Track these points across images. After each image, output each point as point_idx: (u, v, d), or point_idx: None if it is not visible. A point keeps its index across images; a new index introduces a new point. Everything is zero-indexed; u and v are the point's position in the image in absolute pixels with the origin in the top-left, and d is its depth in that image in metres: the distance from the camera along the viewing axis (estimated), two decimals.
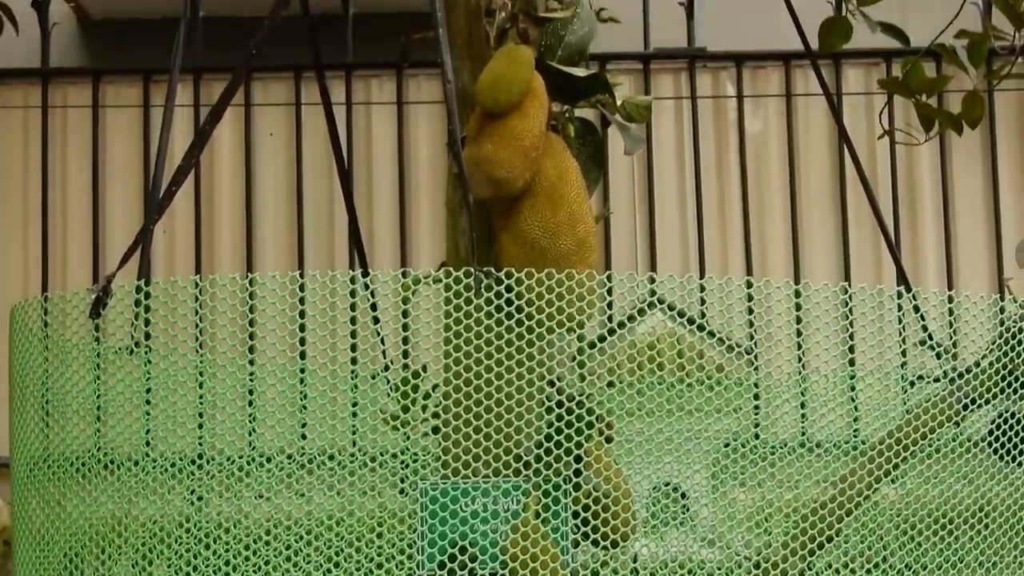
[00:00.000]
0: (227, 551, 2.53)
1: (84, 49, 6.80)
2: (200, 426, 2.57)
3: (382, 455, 2.68)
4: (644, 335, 3.02)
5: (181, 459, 2.56)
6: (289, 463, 2.64)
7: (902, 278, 3.44)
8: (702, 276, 5.80)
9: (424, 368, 2.84)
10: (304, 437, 2.60)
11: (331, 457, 2.61)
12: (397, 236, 5.96)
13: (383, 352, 3.00)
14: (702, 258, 5.90)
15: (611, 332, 2.74)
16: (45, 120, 5.99)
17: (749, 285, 2.66)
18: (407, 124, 6.00)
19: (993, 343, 2.78)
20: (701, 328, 2.98)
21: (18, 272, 6.00)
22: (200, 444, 2.57)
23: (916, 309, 2.93)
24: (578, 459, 2.59)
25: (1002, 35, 4.52)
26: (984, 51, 4.66)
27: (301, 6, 3.19)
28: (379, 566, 2.55)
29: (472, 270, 2.60)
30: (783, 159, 6.02)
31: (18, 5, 5.68)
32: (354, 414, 2.64)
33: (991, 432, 2.80)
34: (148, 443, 2.59)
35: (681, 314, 2.99)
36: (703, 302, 2.86)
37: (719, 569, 2.69)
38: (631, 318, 2.92)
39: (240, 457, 2.58)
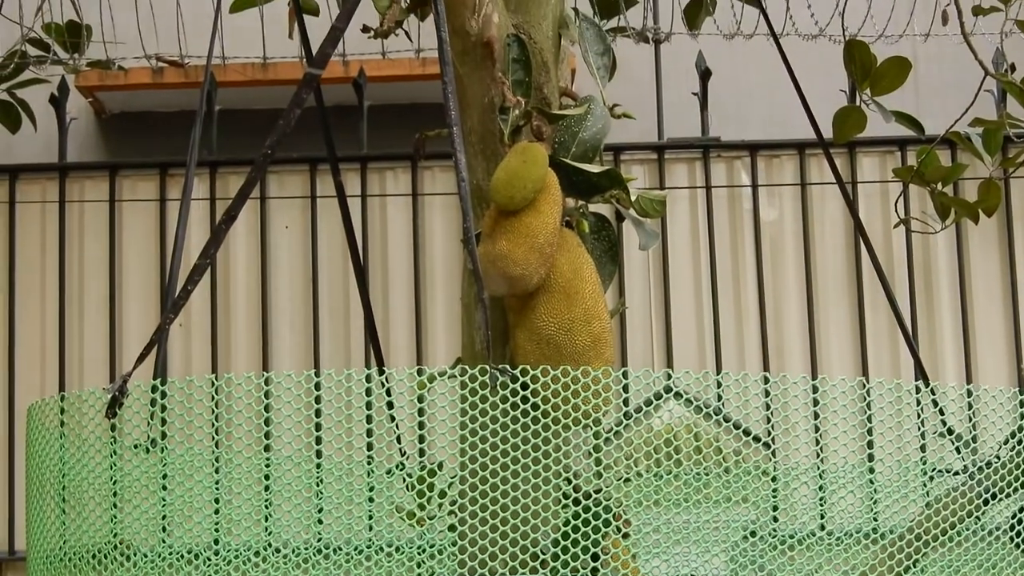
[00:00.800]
0: None
1: (101, 142, 6.85)
2: (216, 511, 2.56)
3: (399, 542, 2.68)
4: (661, 425, 3.01)
5: (197, 546, 2.56)
6: (305, 550, 2.63)
7: (920, 371, 3.42)
8: (719, 369, 5.81)
9: (440, 465, 2.83)
10: (320, 522, 2.60)
11: (348, 542, 2.60)
12: (413, 328, 5.96)
13: (400, 449, 3.00)
14: (718, 350, 5.89)
15: (627, 421, 2.73)
16: (62, 215, 6.01)
17: (766, 381, 2.65)
18: (422, 215, 6.02)
19: (1012, 436, 2.76)
20: (718, 417, 2.97)
21: (35, 368, 6.01)
22: (216, 531, 2.56)
23: (935, 403, 2.92)
24: (595, 556, 2.57)
25: (1017, 122, 4.53)
26: (999, 139, 4.67)
27: (315, 99, 3.20)
28: None
29: (487, 367, 2.60)
30: (798, 248, 6.02)
31: (36, 100, 5.73)
32: (370, 510, 2.63)
33: (1012, 525, 2.78)
34: (164, 530, 2.58)
35: (698, 404, 2.98)
36: (720, 397, 2.85)
37: None
38: (648, 406, 2.90)
39: (256, 543, 2.57)
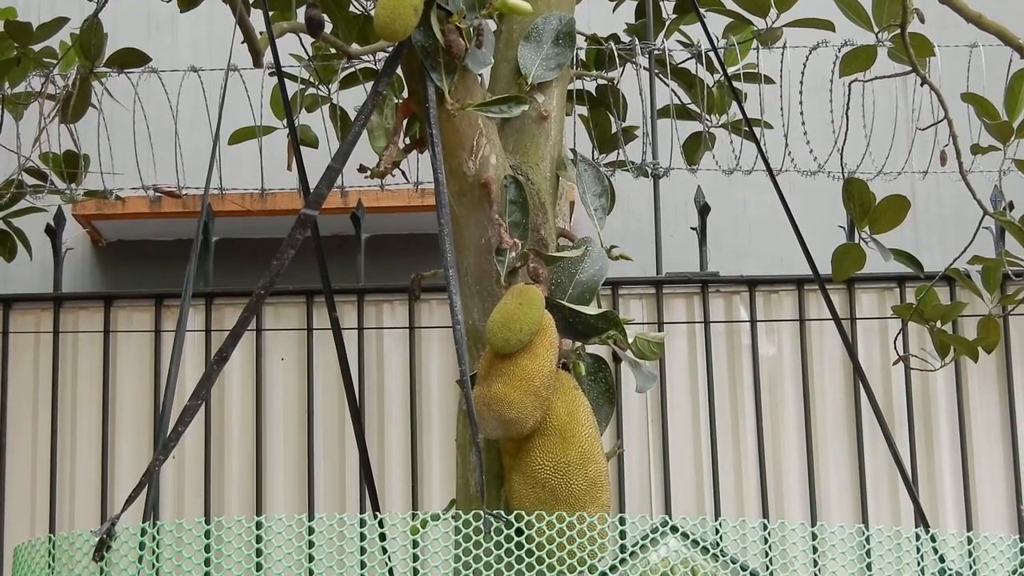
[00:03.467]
0: None
1: (97, 270, 6.85)
2: None
3: None
4: (658, 559, 2.96)
5: None
6: None
7: (920, 516, 3.38)
8: (718, 512, 5.75)
9: None
10: None
11: None
12: (408, 465, 5.89)
13: None
14: (716, 492, 5.82)
15: (624, 562, 2.68)
16: (56, 345, 5.97)
17: (764, 527, 2.61)
18: (419, 348, 5.98)
19: None
20: (715, 551, 2.93)
21: (25, 502, 5.93)
22: None
23: (935, 551, 2.87)
24: None
25: (1016, 260, 4.52)
26: (998, 276, 4.66)
27: (312, 237, 3.18)
28: None
29: (482, 512, 2.56)
30: (797, 383, 5.98)
31: (32, 228, 5.73)
32: None
33: None
34: None
35: (695, 538, 2.94)
36: (719, 543, 2.81)
37: None
38: (644, 540, 2.86)
39: None
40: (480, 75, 3.02)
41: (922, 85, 4.04)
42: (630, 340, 3.04)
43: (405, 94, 3.03)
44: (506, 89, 3.07)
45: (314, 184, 2.86)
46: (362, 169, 3.02)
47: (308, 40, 4.95)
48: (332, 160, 2.83)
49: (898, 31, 3.91)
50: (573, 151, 3.15)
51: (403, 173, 3.32)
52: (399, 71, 3.00)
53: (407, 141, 3.09)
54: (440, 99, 2.86)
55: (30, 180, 5.62)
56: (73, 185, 5.62)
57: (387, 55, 3.04)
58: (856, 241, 4.10)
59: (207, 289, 5.94)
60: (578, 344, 2.98)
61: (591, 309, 2.89)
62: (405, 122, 3.03)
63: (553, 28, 3.11)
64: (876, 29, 4.29)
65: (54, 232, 6.01)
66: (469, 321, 2.93)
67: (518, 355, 2.72)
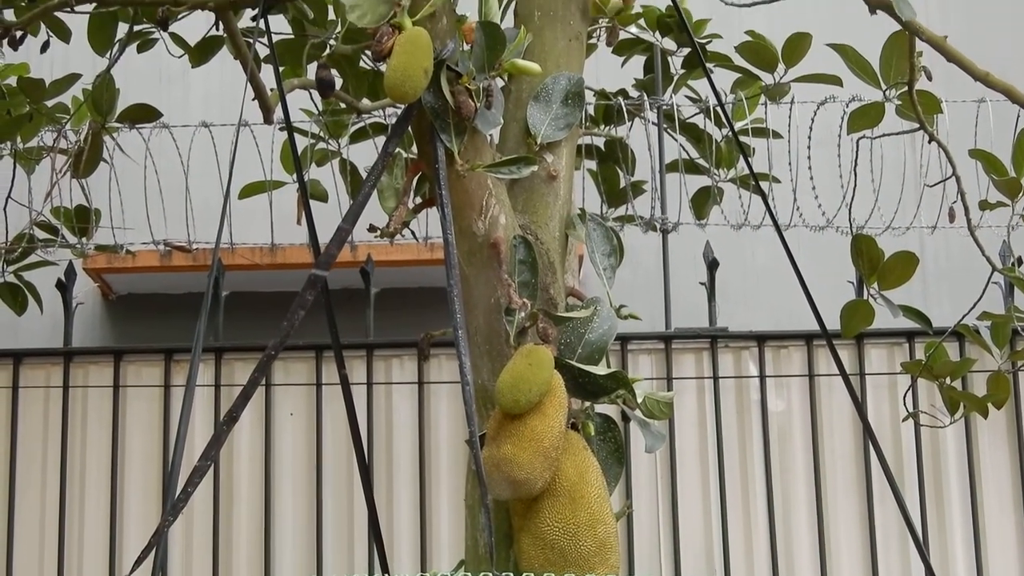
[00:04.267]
0: None
1: (107, 323, 6.86)
2: None
3: None
4: None
5: None
6: None
7: (929, 573, 3.37)
8: (727, 571, 5.73)
9: None
10: None
11: None
12: (417, 524, 5.87)
13: None
14: (726, 550, 5.80)
15: None
16: (66, 400, 5.97)
17: None
18: (427, 404, 5.97)
19: None
20: None
21: (34, 559, 5.91)
22: None
23: None
24: None
25: None
26: (1007, 332, 4.65)
27: (322, 294, 3.19)
28: None
29: (492, 573, 2.56)
30: (807, 439, 5.97)
31: (43, 281, 5.74)
32: None
33: None
34: None
35: None
36: None
37: None
38: None
39: None
40: (490, 135, 3.03)
41: (930, 142, 4.05)
42: (639, 400, 3.04)
43: (414, 148, 3.04)
44: (515, 149, 3.08)
45: (324, 241, 2.87)
46: (372, 229, 3.02)
47: (319, 95, 4.98)
48: (343, 220, 2.84)
49: (905, 88, 3.92)
50: (582, 210, 3.16)
51: (412, 233, 3.34)
52: (409, 130, 3.01)
53: (417, 201, 3.09)
54: (450, 159, 2.87)
55: (41, 234, 5.64)
56: (84, 239, 5.64)
57: (397, 112, 3.05)
58: (865, 297, 4.10)
59: (217, 344, 5.94)
60: (587, 404, 2.98)
61: (600, 369, 2.89)
62: (415, 182, 3.03)
63: (562, 88, 3.12)
64: (884, 86, 4.30)
65: (64, 287, 6.02)
66: (478, 381, 2.94)
67: (527, 416, 2.72)
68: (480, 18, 3.08)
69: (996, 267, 4.23)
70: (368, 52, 3.85)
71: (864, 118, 4.48)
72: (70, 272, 6.02)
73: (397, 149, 3.02)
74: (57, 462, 5.94)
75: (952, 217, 4.81)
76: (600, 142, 5.52)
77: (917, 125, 4.01)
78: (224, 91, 6.88)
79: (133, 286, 6.75)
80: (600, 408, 3.04)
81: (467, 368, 2.72)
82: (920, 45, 3.74)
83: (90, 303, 6.78)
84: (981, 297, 4.41)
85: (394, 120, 3.04)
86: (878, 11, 3.47)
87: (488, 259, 2.91)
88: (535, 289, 2.92)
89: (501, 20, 3.45)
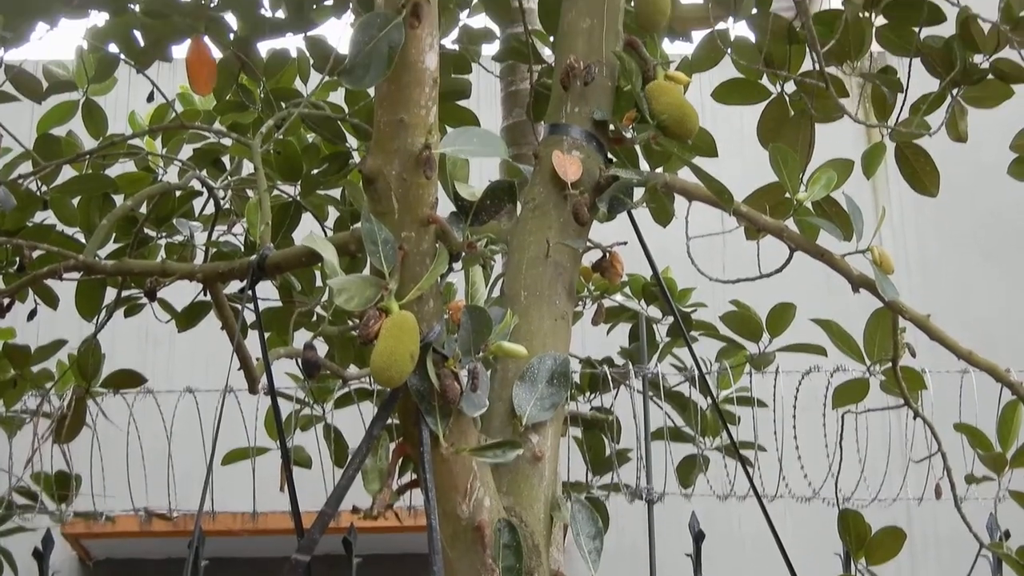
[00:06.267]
0: None
1: None
2: None
3: None
4: None
5: None
6: None
7: None
8: None
9: None
10: None
11: None
12: None
13: None
14: None
15: None
16: None
17: None
18: None
19: None
20: None
21: None
22: None
23: None
24: None
25: None
26: None
27: None
28: None
29: None
30: None
31: (19, 548, 5.66)
32: None
33: None
34: None
35: None
36: None
37: None
38: None
39: None
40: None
41: (915, 418, 4.06)
42: None
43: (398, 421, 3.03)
44: (500, 429, 3.06)
45: (305, 510, 2.84)
46: (355, 511, 2.99)
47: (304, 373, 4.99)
48: (325, 504, 2.82)
49: (890, 364, 3.94)
50: (567, 491, 3.14)
51: (396, 515, 3.30)
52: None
53: (401, 482, 3.07)
54: (435, 442, 2.86)
55: (20, 500, 5.59)
56: (63, 506, 5.58)
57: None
58: (852, 572, 4.07)
59: None
60: None
61: None
62: (399, 463, 3.01)
63: (548, 368, 3.12)
64: (868, 362, 4.32)
65: (41, 557, 5.93)
66: None
67: None
68: (466, 300, 3.10)
69: (983, 543, 4.20)
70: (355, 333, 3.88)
71: (849, 393, 4.51)
72: (47, 541, 5.91)
73: (381, 434, 3.01)
74: None
75: (939, 493, 4.78)
76: (585, 408, 5.53)
77: (902, 400, 4.02)
78: (210, 354, 6.88)
79: (112, 551, 6.67)
80: None
81: None
82: (903, 321, 3.76)
83: (67, 570, 6.69)
84: (970, 573, 4.37)
85: (379, 387, 3.04)
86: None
87: (472, 543, 2.87)
88: (519, 574, 2.88)
89: (488, 296, 3.47)
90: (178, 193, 5.02)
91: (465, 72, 4.99)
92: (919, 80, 4.25)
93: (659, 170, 4.20)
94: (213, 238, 5.19)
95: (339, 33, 8.60)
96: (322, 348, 5.03)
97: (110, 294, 5.01)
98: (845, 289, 3.52)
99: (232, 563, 6.47)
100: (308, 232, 3.22)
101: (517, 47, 5.01)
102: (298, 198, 4.98)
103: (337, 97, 5.27)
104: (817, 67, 3.92)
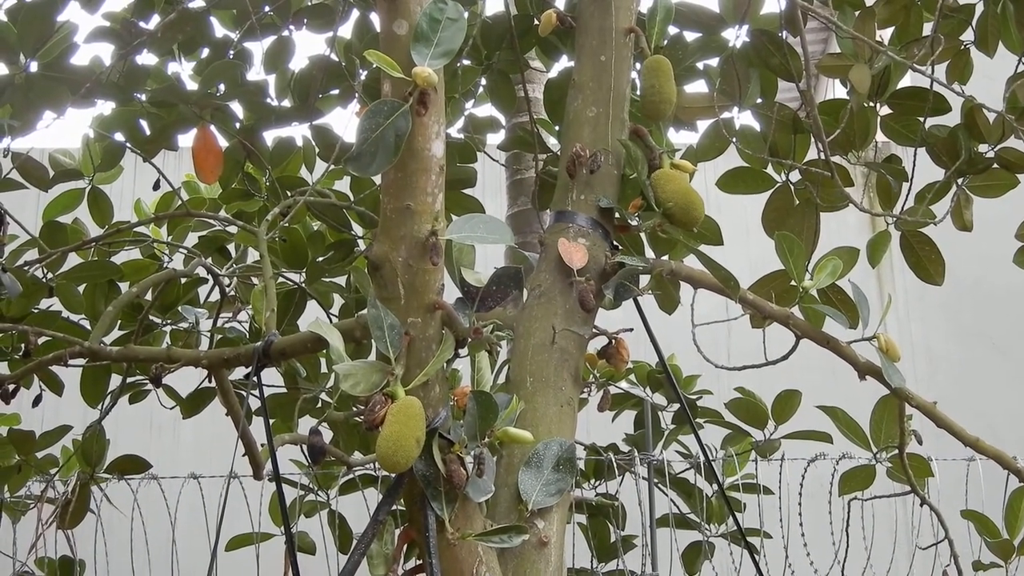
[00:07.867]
0: None
1: None
2: None
3: None
4: None
5: None
6: None
7: None
8: None
9: None
10: None
11: None
12: None
13: None
14: None
15: None
16: None
17: None
18: None
19: None
20: None
21: None
22: None
23: None
24: None
25: None
26: None
27: None
28: None
29: None
30: None
31: None
32: None
33: None
34: None
35: None
36: None
37: None
38: None
39: None
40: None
41: (921, 506, 4.04)
42: None
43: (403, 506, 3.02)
44: (506, 514, 3.05)
45: None
46: None
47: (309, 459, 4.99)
48: None
49: (896, 451, 3.93)
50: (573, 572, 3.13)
51: None
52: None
53: (406, 567, 3.06)
54: (440, 527, 2.85)
55: None
56: None
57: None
58: None
59: None
60: None
61: None
62: (404, 548, 3.01)
63: (554, 454, 3.12)
64: (874, 449, 4.31)
65: None
66: None
67: None
68: (472, 385, 3.10)
69: None
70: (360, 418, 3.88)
71: (855, 481, 4.49)
72: None
73: (387, 519, 3.00)
74: None
75: None
76: (591, 495, 5.51)
77: (908, 487, 4.01)
78: (214, 439, 6.87)
79: None
80: None
81: None
82: (910, 409, 3.76)
83: None
84: None
85: (384, 473, 3.03)
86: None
87: None
88: None
89: (494, 382, 3.47)
90: (183, 280, 5.04)
91: (471, 161, 5.01)
92: (924, 169, 4.28)
93: (665, 257, 4.21)
94: (218, 325, 5.20)
95: (344, 122, 8.69)
96: (327, 434, 5.04)
97: (115, 380, 5.01)
98: (851, 377, 3.52)
99: None
100: (313, 319, 3.23)
101: (522, 136, 5.04)
102: (303, 285, 5.00)
103: (343, 185, 5.30)
104: (822, 156, 3.94)
